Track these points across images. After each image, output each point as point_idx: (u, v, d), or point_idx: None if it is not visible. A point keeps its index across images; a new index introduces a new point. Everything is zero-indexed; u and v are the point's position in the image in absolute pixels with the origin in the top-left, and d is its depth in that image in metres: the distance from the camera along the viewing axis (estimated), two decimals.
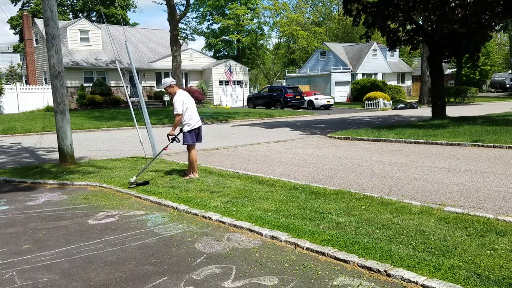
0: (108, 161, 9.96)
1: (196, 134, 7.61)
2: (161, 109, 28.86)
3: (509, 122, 15.92)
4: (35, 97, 28.01)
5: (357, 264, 3.78)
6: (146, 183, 7.30)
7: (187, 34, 50.83)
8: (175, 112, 7.38)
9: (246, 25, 43.18)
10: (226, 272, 3.79)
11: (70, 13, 53.70)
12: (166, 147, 7.85)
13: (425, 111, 25.10)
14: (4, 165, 10.10)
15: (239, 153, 11.19)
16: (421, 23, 19.18)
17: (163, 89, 7.82)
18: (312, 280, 3.58)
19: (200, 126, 7.69)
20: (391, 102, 33.01)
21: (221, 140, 14.44)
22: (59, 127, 9.25)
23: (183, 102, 7.36)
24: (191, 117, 7.47)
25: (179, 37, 29.22)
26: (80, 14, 51.69)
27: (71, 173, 8.51)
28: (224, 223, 5.10)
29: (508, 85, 51.64)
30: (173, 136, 7.52)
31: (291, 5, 57.07)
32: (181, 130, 7.59)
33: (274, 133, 16.15)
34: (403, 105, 31.87)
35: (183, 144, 7.62)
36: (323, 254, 4.05)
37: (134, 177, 7.35)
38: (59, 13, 44.43)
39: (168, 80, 7.54)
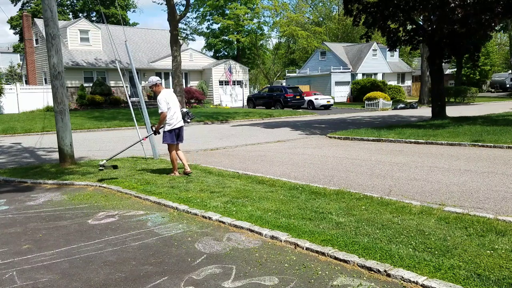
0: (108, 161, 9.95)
1: (176, 134, 7.77)
2: None
3: (509, 122, 15.91)
4: (35, 97, 28.00)
5: (357, 264, 3.78)
6: (114, 167, 7.90)
7: (187, 34, 50.90)
8: (159, 111, 7.60)
9: (246, 25, 43.16)
10: (226, 272, 3.79)
11: (70, 13, 53.72)
12: (146, 137, 8.54)
13: (425, 111, 25.10)
14: (4, 165, 10.10)
15: (239, 153, 11.18)
16: (421, 23, 19.18)
17: (148, 87, 8.13)
18: (312, 280, 3.58)
19: (182, 126, 7.87)
20: (391, 102, 33.01)
21: (221, 140, 14.44)
22: (59, 127, 9.25)
23: (167, 102, 7.55)
24: (173, 117, 7.63)
25: (179, 37, 29.20)
26: (80, 14, 51.69)
27: (71, 173, 8.50)
28: (224, 223, 5.10)
29: (508, 85, 51.66)
30: (155, 130, 7.92)
31: (291, 5, 57.12)
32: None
33: (274, 133, 16.15)
34: (403, 105, 31.88)
35: (162, 142, 7.86)
36: (323, 254, 4.05)
37: (105, 160, 7.88)
38: (59, 13, 44.43)
39: (154, 79, 7.74)
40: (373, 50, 42.54)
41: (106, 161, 7.83)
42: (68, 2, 54.12)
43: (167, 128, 7.64)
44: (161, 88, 7.76)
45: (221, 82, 36.81)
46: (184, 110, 8.21)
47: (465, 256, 3.79)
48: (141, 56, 34.56)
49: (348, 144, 12.54)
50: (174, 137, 7.73)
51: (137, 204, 6.22)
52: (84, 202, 6.44)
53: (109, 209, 6.02)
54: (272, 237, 4.54)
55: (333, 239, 4.30)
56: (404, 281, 3.45)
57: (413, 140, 12.22)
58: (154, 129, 7.95)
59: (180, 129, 7.81)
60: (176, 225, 5.18)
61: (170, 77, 32.48)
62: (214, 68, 36.27)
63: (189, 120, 8.05)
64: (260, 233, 4.66)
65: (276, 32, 47.61)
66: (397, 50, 37.71)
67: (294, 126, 19.01)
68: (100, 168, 7.59)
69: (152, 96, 33.74)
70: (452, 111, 22.34)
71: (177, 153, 7.91)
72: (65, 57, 28.22)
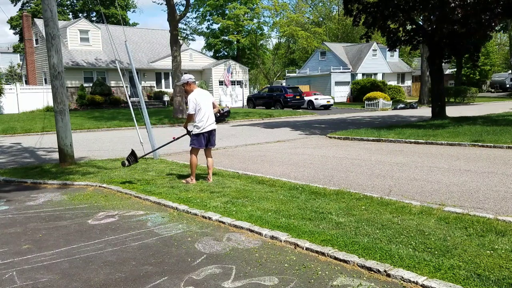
0: (108, 161, 9.96)
1: (206, 138, 7.15)
2: (161, 109, 28.86)
3: (509, 122, 15.91)
4: (35, 97, 28.01)
5: (357, 264, 3.78)
6: (133, 159, 7.53)
7: (187, 34, 50.89)
8: (187, 112, 7.09)
9: (246, 25, 43.17)
10: (226, 272, 3.79)
11: (70, 13, 53.73)
12: (177, 138, 7.75)
13: (425, 111, 25.10)
14: (4, 165, 10.09)
15: (239, 153, 11.18)
16: (421, 23, 19.18)
17: (180, 85, 7.53)
18: (312, 280, 3.58)
19: (213, 130, 7.21)
20: (391, 102, 33.02)
21: (221, 140, 14.43)
22: (59, 127, 9.25)
23: (196, 103, 6.95)
24: (202, 119, 7.00)
25: (179, 37, 29.20)
26: (80, 14, 51.70)
27: (71, 173, 8.50)
28: (224, 223, 5.10)
29: (508, 85, 51.67)
30: (185, 128, 7.43)
31: (291, 5, 57.08)
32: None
33: (274, 133, 16.15)
34: (403, 105, 31.89)
35: (189, 145, 7.28)
36: (323, 254, 4.04)
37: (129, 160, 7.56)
38: (59, 13, 44.43)
39: (186, 77, 7.16)
40: (373, 50, 42.55)
41: (134, 159, 7.64)
42: (68, 2, 54.14)
43: (195, 131, 7.03)
44: (194, 87, 7.12)
45: (221, 82, 36.82)
46: (226, 108, 7.78)
47: (465, 256, 3.79)
48: (141, 56, 34.56)
49: (348, 144, 12.54)
50: (203, 141, 7.12)
51: (137, 204, 6.22)
52: (84, 202, 6.44)
53: (109, 209, 6.02)
54: (272, 237, 4.53)
55: (333, 239, 4.30)
56: (404, 281, 3.45)
57: (413, 140, 12.22)
58: (184, 128, 7.44)
59: (210, 133, 7.16)
60: (176, 225, 5.18)
61: (170, 77, 32.47)
62: (214, 68, 36.28)
63: (222, 113, 7.52)
64: (260, 233, 4.66)
65: (276, 32, 47.63)
66: (397, 50, 37.74)
67: (294, 126, 19.01)
68: (127, 163, 7.40)
69: (152, 96, 33.79)
70: (452, 111, 22.35)
71: (206, 159, 7.36)
72: (65, 57, 28.22)
